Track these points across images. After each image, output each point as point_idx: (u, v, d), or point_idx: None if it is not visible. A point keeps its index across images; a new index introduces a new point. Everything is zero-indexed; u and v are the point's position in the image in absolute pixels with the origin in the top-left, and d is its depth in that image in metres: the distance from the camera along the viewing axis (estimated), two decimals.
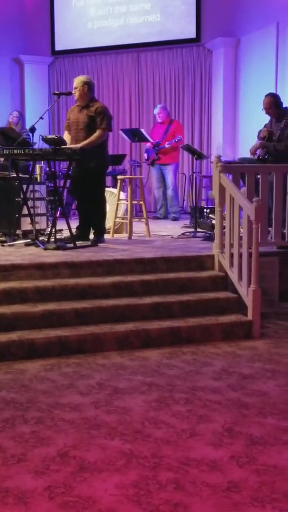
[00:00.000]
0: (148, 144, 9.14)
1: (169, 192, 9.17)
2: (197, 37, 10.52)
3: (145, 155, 9.42)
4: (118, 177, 7.21)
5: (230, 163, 6.04)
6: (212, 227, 6.30)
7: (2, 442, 2.71)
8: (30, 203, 6.12)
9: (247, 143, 7.20)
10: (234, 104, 10.18)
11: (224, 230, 5.10)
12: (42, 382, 3.52)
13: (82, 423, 2.93)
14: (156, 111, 9.37)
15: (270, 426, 2.90)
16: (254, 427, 2.88)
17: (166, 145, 8.92)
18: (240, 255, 4.69)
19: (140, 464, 2.51)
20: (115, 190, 7.25)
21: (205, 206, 8.82)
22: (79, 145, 5.76)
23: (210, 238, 6.21)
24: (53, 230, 5.73)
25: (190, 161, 10.22)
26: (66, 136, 6.13)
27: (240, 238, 4.71)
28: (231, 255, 4.86)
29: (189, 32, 10.55)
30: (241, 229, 4.74)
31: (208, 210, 8.10)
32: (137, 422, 2.94)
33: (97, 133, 5.91)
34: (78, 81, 6.06)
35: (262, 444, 2.70)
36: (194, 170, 7.97)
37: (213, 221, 6.16)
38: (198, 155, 7.54)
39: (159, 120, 9.29)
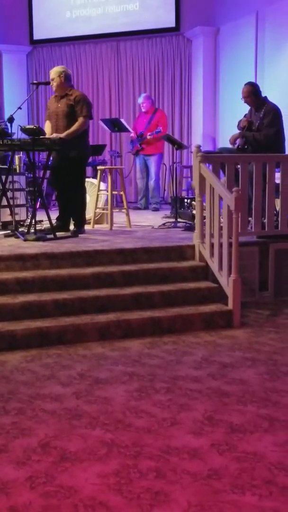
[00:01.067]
0: (133, 134, 9.11)
1: (151, 182, 9.16)
2: (176, 26, 10.48)
3: (130, 145, 9.38)
4: (98, 167, 7.17)
5: (210, 153, 6.05)
6: (193, 217, 6.31)
7: None
8: (9, 194, 6.08)
9: (227, 133, 7.21)
10: (214, 94, 10.19)
11: (204, 220, 5.12)
12: (23, 373, 3.51)
13: (63, 413, 2.94)
14: (140, 100, 9.30)
15: (250, 414, 2.93)
16: (234, 415, 2.91)
17: (148, 136, 8.90)
18: (221, 245, 4.71)
19: (121, 453, 2.52)
20: (95, 181, 7.22)
21: (186, 197, 8.84)
22: (61, 135, 5.73)
23: (190, 228, 6.22)
24: (33, 221, 5.70)
25: (170, 151, 10.22)
26: (47, 126, 6.09)
27: (221, 228, 4.73)
28: (212, 245, 4.88)
29: (168, 21, 10.51)
30: (221, 219, 4.76)
31: (188, 200, 8.12)
32: (118, 412, 2.95)
33: (79, 121, 5.88)
34: (54, 72, 6.03)
35: (242, 431, 2.73)
36: (175, 161, 7.97)
37: (194, 211, 6.17)
38: (178, 145, 7.54)
39: (143, 110, 9.23)
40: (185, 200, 8.25)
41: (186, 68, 10.63)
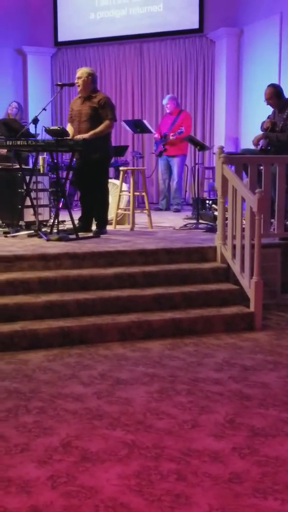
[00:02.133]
0: (156, 135, 9.11)
1: (174, 184, 9.14)
2: (199, 28, 10.45)
3: (154, 146, 9.37)
4: (121, 168, 7.20)
5: (232, 154, 6.03)
6: (214, 218, 6.29)
7: (5, 432, 2.73)
8: (33, 194, 6.12)
9: (250, 134, 7.17)
10: (237, 95, 10.14)
11: (226, 222, 5.10)
12: (44, 372, 3.54)
13: (84, 413, 2.95)
14: (164, 101, 9.28)
15: (271, 417, 2.91)
16: (255, 419, 2.89)
17: (170, 137, 8.89)
18: (242, 247, 4.69)
19: (142, 454, 2.52)
20: (117, 182, 7.24)
21: (207, 198, 8.81)
22: (85, 135, 5.76)
23: (212, 229, 6.21)
24: (56, 221, 5.74)
25: (192, 152, 10.20)
26: (69, 128, 6.12)
27: (243, 229, 4.71)
28: (233, 247, 4.87)
29: (192, 22, 10.49)
30: (244, 221, 4.73)
31: (210, 202, 8.10)
32: (139, 413, 2.95)
33: (104, 124, 5.90)
34: (82, 71, 6.05)
35: (263, 435, 2.71)
36: (197, 162, 7.96)
37: (215, 213, 6.16)
38: (200, 146, 7.52)
39: (168, 111, 9.21)
40: (207, 201, 8.22)
41: (209, 70, 10.60)
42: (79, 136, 5.79)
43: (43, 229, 6.02)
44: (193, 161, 10.17)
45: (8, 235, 5.87)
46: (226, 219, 5.10)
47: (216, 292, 4.72)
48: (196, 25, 10.46)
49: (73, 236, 5.66)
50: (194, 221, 6.88)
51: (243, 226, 4.71)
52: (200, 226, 6.67)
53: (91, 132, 5.83)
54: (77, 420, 2.86)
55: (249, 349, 4.01)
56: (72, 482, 2.30)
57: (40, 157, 6.89)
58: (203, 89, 10.67)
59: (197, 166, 7.77)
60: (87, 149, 5.70)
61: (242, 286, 4.71)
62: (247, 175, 5.35)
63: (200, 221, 6.89)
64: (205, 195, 9.75)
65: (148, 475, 2.35)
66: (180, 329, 4.34)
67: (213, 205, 7.47)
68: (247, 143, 8.12)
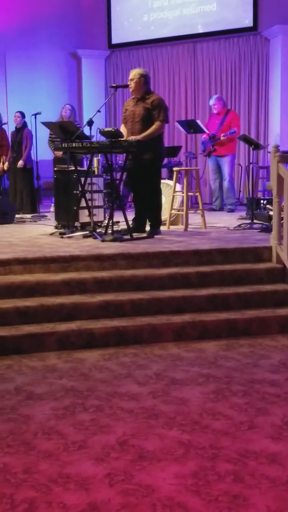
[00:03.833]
0: (205, 135, 9.07)
1: (225, 183, 9.08)
2: (254, 26, 10.36)
3: (202, 147, 9.35)
4: (174, 168, 7.20)
5: None
6: (269, 218, 6.22)
7: (63, 429, 2.78)
8: (88, 195, 6.20)
9: None
10: None
11: (282, 222, 5.02)
12: (101, 371, 3.58)
13: (140, 412, 2.97)
14: (211, 102, 9.26)
15: None
16: None
17: (222, 137, 8.84)
18: None
19: (198, 454, 2.52)
20: (171, 182, 7.25)
21: (262, 197, 8.71)
22: (137, 137, 5.79)
23: (267, 229, 6.13)
24: (110, 222, 5.79)
25: (246, 151, 10.11)
26: (123, 129, 6.17)
27: None
28: None
29: (246, 20, 10.40)
30: None
31: (265, 201, 8.00)
32: (194, 413, 2.95)
33: (155, 125, 5.92)
34: (134, 72, 6.08)
35: None
36: (251, 161, 7.88)
37: (270, 212, 6.08)
38: (255, 145, 7.44)
39: (215, 111, 9.18)
40: (261, 201, 8.13)
41: (263, 68, 10.48)
42: (132, 138, 5.83)
43: (98, 230, 6.09)
44: (247, 161, 10.08)
45: (64, 236, 5.97)
46: (282, 218, 5.03)
47: (271, 293, 4.66)
48: (250, 23, 10.37)
49: (127, 237, 5.70)
50: (249, 221, 6.82)
51: None
52: (254, 226, 6.60)
53: (143, 134, 5.86)
54: (133, 419, 2.89)
55: None
56: (129, 481, 2.32)
57: (95, 159, 6.97)
58: (257, 88, 10.55)
59: (251, 165, 7.69)
60: (139, 150, 5.73)
61: None
62: None
63: (255, 221, 6.82)
64: (260, 194, 9.63)
65: (205, 475, 2.34)
66: (235, 330, 4.31)
67: (268, 205, 7.37)
68: None
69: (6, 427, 2.81)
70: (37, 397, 3.17)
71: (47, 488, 2.26)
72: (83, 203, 6.22)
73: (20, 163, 8.88)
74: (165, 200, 6.96)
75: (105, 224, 6.08)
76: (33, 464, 2.45)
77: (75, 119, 8.58)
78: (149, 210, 6.23)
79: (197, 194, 7.06)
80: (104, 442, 2.64)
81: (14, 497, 2.20)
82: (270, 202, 7.18)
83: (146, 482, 2.30)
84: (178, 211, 7.16)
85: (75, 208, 6.28)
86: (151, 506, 2.14)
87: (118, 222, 6.50)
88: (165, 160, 8.50)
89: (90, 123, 5.90)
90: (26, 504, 2.16)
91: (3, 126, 9.12)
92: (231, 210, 8.96)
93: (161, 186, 6.46)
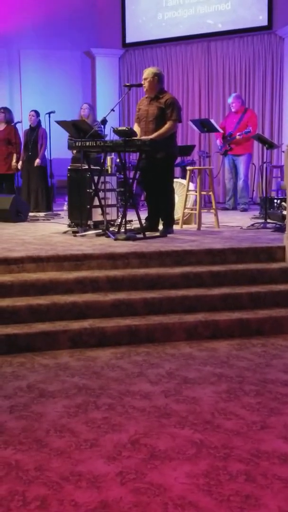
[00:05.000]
0: (219, 140, 9.06)
1: (240, 183, 9.05)
2: (268, 25, 10.31)
3: (219, 145, 9.24)
4: (187, 168, 7.19)
5: None
6: (283, 218, 6.19)
7: (75, 427, 2.78)
8: (101, 194, 6.21)
9: None
10: None
11: None
12: (113, 369, 3.58)
13: (152, 411, 2.96)
14: (230, 100, 9.22)
15: None
16: None
17: (237, 136, 8.81)
18: None
19: (210, 454, 2.51)
20: (184, 181, 7.24)
21: (276, 197, 8.67)
22: (149, 137, 5.78)
23: (280, 229, 6.10)
24: (123, 221, 5.80)
25: (260, 151, 10.06)
26: (136, 128, 6.17)
27: None
28: None
29: (261, 19, 10.36)
30: None
31: (278, 201, 7.96)
32: (207, 412, 2.94)
33: (167, 125, 5.91)
34: (148, 72, 6.08)
35: None
36: (264, 160, 7.84)
37: (284, 212, 6.05)
38: (269, 144, 7.41)
39: (233, 110, 9.13)
40: (275, 201, 8.09)
41: (278, 67, 10.43)
42: (144, 137, 5.82)
43: (111, 229, 6.10)
44: (260, 160, 10.03)
45: (77, 234, 5.99)
46: None
47: (285, 292, 4.63)
48: (265, 22, 10.33)
49: (140, 236, 5.70)
50: (262, 221, 6.79)
51: None
52: (268, 225, 6.57)
53: (155, 134, 5.85)
54: (145, 418, 2.89)
55: None
56: (141, 479, 2.32)
57: (108, 158, 6.98)
58: (271, 87, 10.51)
59: (265, 165, 7.65)
60: (152, 149, 5.72)
61: None
62: None
63: (268, 220, 6.79)
64: (273, 194, 9.59)
65: (216, 475, 2.34)
66: (248, 330, 4.29)
67: (282, 203, 7.34)
68: None
69: (18, 424, 2.82)
70: (49, 395, 3.18)
71: (59, 486, 2.27)
72: (96, 202, 6.23)
73: (37, 161, 8.92)
74: (178, 199, 6.95)
75: (118, 223, 6.09)
76: (45, 462, 2.46)
77: (94, 118, 8.59)
78: (162, 209, 6.23)
79: (210, 193, 7.04)
80: (116, 441, 2.65)
81: (26, 494, 2.21)
82: (283, 201, 7.14)
83: (158, 481, 2.30)
84: (191, 210, 7.14)
85: (88, 206, 6.29)
86: (162, 505, 2.14)
87: (131, 221, 6.50)
88: (179, 159, 8.48)
89: (104, 122, 5.91)
90: (38, 501, 2.17)
91: (17, 125, 9.15)
92: (244, 210, 8.94)
93: (174, 185, 6.45)
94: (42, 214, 8.54)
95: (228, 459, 2.46)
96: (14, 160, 8.94)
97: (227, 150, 9.05)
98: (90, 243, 5.43)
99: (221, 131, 8.78)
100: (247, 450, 2.54)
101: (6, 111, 9.04)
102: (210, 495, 2.19)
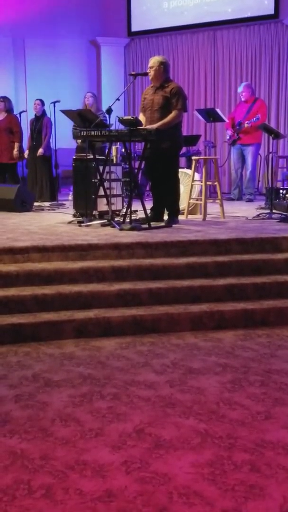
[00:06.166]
0: (227, 126, 9.00)
1: (248, 173, 9.01)
2: (275, 13, 10.22)
3: (229, 134, 9.15)
4: (193, 157, 7.16)
5: None
6: None
7: (81, 416, 2.79)
8: (106, 184, 6.20)
9: None
10: None
11: None
12: (118, 359, 3.59)
13: (157, 401, 2.97)
14: (240, 89, 9.14)
15: None
16: None
17: (246, 124, 8.74)
18: None
19: (215, 444, 2.52)
20: (189, 171, 7.22)
21: (281, 187, 8.64)
22: (154, 126, 5.76)
23: (286, 219, 6.09)
24: (128, 211, 5.79)
25: (266, 141, 10.01)
26: (141, 117, 6.14)
27: None
28: None
29: (267, 8, 10.27)
30: None
31: (284, 191, 7.93)
32: (211, 402, 2.95)
33: (172, 114, 5.88)
34: (154, 60, 6.04)
35: None
36: (270, 150, 7.80)
37: None
38: (275, 134, 7.37)
39: (243, 99, 9.06)
40: (281, 191, 8.06)
41: (284, 56, 10.35)
42: (149, 127, 5.79)
43: (116, 219, 6.09)
44: (266, 150, 9.98)
45: (82, 224, 5.99)
46: None
47: None
48: (271, 11, 10.24)
49: (145, 226, 5.70)
50: (267, 211, 6.77)
51: None
52: (273, 216, 6.55)
53: (160, 123, 5.82)
54: (150, 408, 2.89)
55: None
56: (146, 468, 2.33)
57: (114, 147, 6.96)
58: (278, 76, 10.44)
59: (270, 155, 7.62)
60: (157, 138, 5.70)
61: None
62: None
63: (274, 211, 6.77)
64: (279, 184, 9.55)
65: (221, 465, 2.34)
66: (253, 320, 4.29)
67: (287, 195, 7.31)
68: None
69: (24, 413, 2.84)
70: (54, 384, 3.19)
71: (64, 475, 2.28)
72: (101, 192, 6.22)
73: (40, 151, 8.90)
74: (184, 189, 6.93)
75: (123, 213, 6.08)
76: (50, 451, 2.47)
77: (98, 107, 8.54)
78: (167, 199, 6.21)
79: (215, 183, 7.02)
80: (121, 430, 2.66)
81: (31, 483, 2.22)
82: None
83: (163, 470, 2.31)
84: (197, 200, 7.13)
85: (93, 196, 6.28)
86: (167, 494, 2.14)
87: (136, 211, 6.50)
88: (184, 149, 8.45)
89: (109, 111, 5.88)
90: (43, 490, 2.18)
91: (21, 114, 9.12)
92: (250, 200, 8.91)
93: (180, 175, 6.43)
94: (47, 204, 8.53)
95: (232, 449, 2.47)
96: (15, 149, 8.88)
97: (235, 139, 8.99)
98: (95, 233, 5.43)
99: (227, 120, 8.74)
100: (251, 440, 2.55)
101: (6, 100, 8.97)
102: (215, 485, 2.20)
